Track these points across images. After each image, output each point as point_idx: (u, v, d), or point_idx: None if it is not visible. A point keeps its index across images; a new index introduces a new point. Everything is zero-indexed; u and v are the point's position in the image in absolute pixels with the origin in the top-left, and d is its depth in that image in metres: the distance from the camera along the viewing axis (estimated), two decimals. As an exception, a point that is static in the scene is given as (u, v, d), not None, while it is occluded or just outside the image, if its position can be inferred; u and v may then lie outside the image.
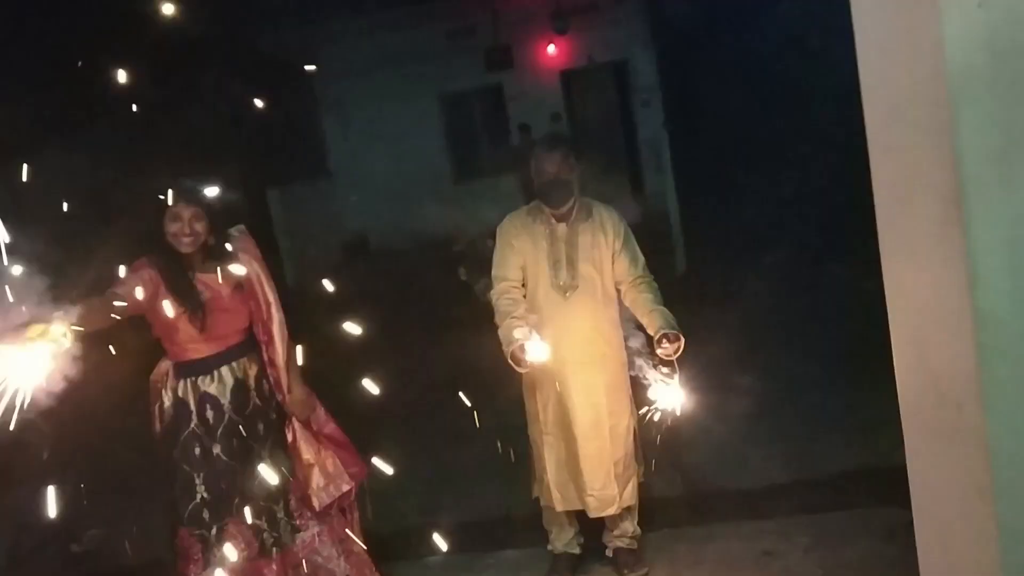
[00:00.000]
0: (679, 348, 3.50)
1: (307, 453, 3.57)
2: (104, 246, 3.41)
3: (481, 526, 4.64)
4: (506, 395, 4.09)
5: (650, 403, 3.60)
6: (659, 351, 3.50)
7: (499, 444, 4.80)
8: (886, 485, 3.39)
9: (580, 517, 3.99)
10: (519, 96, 13.14)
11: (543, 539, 4.07)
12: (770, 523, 4.16)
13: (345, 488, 3.60)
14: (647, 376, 3.57)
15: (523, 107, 12.84)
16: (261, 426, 3.52)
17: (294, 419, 3.58)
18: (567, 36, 12.87)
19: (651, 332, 3.58)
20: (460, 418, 5.99)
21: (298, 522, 3.56)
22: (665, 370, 3.52)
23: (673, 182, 11.09)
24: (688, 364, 5.81)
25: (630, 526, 3.95)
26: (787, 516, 4.20)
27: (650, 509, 4.21)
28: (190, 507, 3.40)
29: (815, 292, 7.92)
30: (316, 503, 3.55)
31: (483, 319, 3.92)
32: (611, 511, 3.83)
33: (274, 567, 3.45)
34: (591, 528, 4.04)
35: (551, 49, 13.06)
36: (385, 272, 11.76)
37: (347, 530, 3.66)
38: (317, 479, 3.56)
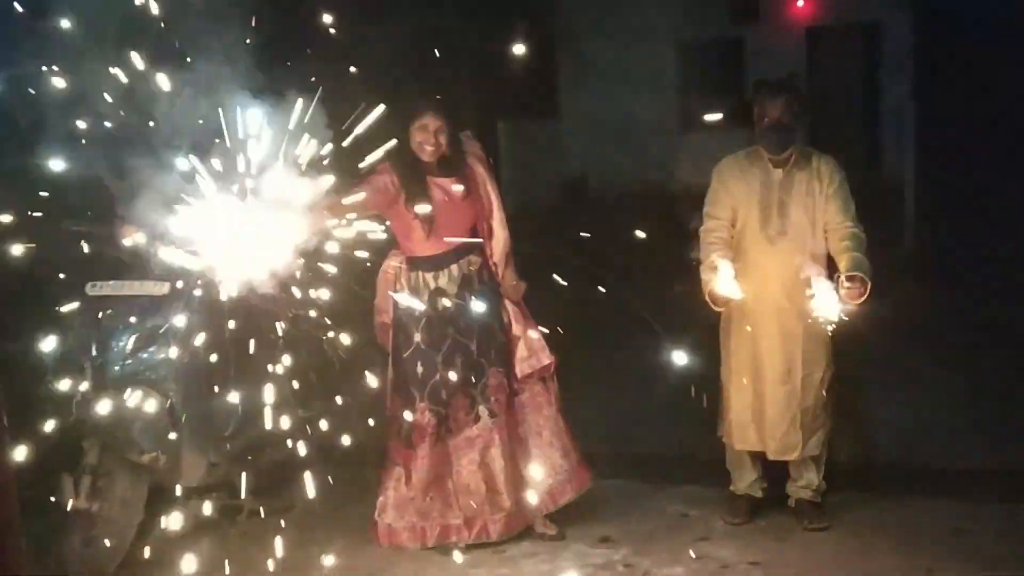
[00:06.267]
0: (863, 294, 3.47)
1: (516, 328, 3.94)
2: (359, 150, 3.76)
3: (667, 460, 4.78)
4: (706, 342, 4.16)
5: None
6: (842, 291, 3.48)
7: (693, 388, 4.89)
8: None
9: (765, 463, 4.04)
10: (760, 51, 12.72)
11: (727, 480, 4.15)
12: (965, 504, 4.05)
13: (546, 361, 3.94)
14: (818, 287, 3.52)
15: (763, 63, 12.41)
16: (485, 306, 3.86)
17: (507, 301, 3.95)
18: (820, -10, 12.35)
19: (841, 271, 3.56)
20: (659, 359, 6.13)
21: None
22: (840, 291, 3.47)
23: (913, 157, 10.53)
24: (905, 341, 5.67)
25: (815, 478, 3.96)
26: (985, 501, 4.07)
27: (839, 470, 4.19)
28: (430, 384, 3.80)
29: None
30: (518, 371, 3.91)
31: (691, 270, 4.01)
32: (791, 457, 3.88)
33: (495, 436, 3.83)
34: (776, 477, 4.08)
35: (800, 2, 12.55)
36: (600, 215, 11.92)
37: (548, 399, 3.97)
38: (521, 351, 3.92)
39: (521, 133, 12.62)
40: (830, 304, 3.45)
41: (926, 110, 10.74)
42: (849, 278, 3.48)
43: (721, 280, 3.62)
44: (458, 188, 3.79)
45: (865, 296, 3.49)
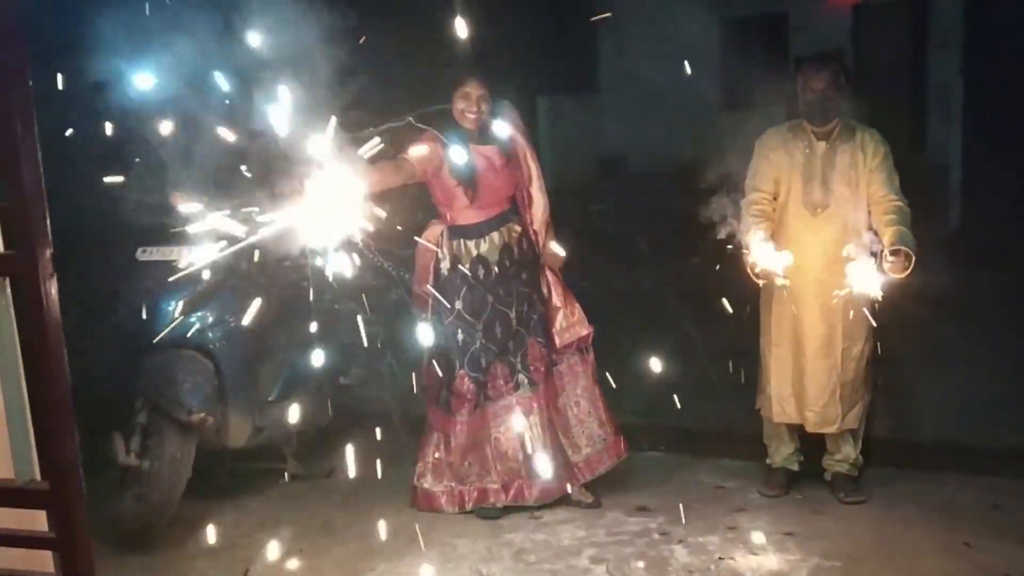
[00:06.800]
0: (907, 268, 3.46)
1: (556, 298, 4.01)
2: (401, 118, 3.80)
3: (703, 434, 4.78)
4: (742, 318, 4.17)
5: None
6: (886, 264, 3.47)
7: (731, 363, 4.90)
8: None
9: (802, 436, 4.05)
10: (804, 28, 12.58)
11: (764, 454, 4.17)
12: (1004, 481, 4.04)
13: (584, 333, 4.01)
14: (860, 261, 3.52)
15: (806, 40, 12.27)
16: (525, 275, 3.93)
17: (547, 270, 4.00)
18: (867, -35, 12.16)
19: (885, 244, 3.54)
20: (695, 336, 6.14)
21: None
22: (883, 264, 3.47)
23: (960, 134, 10.36)
24: (946, 320, 5.62)
25: (852, 452, 3.97)
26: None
27: (876, 446, 4.19)
28: (470, 352, 3.85)
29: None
30: (558, 341, 3.97)
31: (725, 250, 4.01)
32: (830, 429, 3.88)
33: (533, 404, 3.90)
34: (813, 452, 4.09)
35: (845, -22, 12.38)
36: (637, 193, 11.87)
37: (585, 369, 4.04)
38: (560, 321, 3.99)
39: (560, 108, 12.60)
40: (871, 278, 3.45)
41: (974, 88, 10.55)
42: (893, 252, 3.47)
43: (765, 255, 3.61)
44: (498, 156, 3.84)
45: (909, 270, 3.48)
